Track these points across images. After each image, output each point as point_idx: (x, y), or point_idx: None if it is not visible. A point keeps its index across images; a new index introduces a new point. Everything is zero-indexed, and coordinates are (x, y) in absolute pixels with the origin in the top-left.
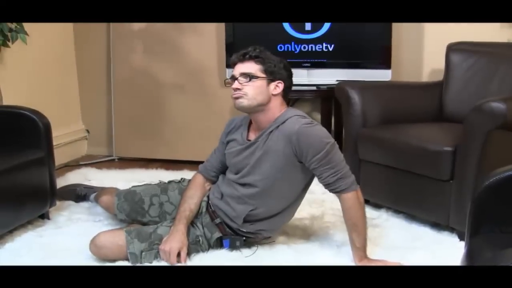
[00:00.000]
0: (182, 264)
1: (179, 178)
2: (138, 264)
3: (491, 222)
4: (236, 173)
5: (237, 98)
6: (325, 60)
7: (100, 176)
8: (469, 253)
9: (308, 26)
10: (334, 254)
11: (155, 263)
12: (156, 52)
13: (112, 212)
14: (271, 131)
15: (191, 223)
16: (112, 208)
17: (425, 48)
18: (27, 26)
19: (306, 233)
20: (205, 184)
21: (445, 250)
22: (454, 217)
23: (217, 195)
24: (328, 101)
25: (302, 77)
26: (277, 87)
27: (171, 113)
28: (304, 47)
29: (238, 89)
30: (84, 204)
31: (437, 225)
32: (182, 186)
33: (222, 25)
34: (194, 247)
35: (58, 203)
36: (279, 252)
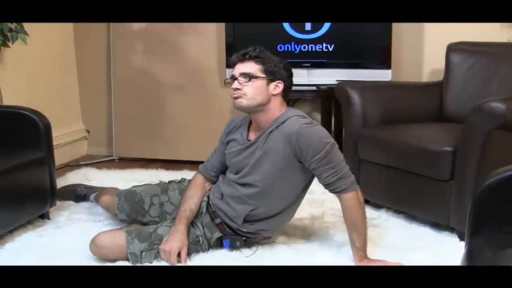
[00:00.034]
0: (182, 264)
1: (179, 178)
2: (138, 264)
3: (491, 222)
4: (236, 173)
5: (236, 98)
6: (325, 60)
7: (100, 176)
8: (469, 253)
9: (308, 26)
10: (334, 254)
11: (155, 263)
12: (156, 52)
13: (112, 212)
14: (271, 131)
15: (191, 223)
16: (113, 208)
17: (425, 48)
18: (27, 26)
19: (306, 233)
20: (205, 184)
21: (445, 250)
22: (454, 217)
23: (217, 195)
24: (328, 101)
25: (302, 77)
26: (277, 87)
27: (171, 113)
28: (304, 47)
29: (238, 89)
30: (84, 204)
31: (437, 225)
32: (182, 186)
33: (222, 25)
34: (194, 247)
35: (58, 203)
36: (279, 252)
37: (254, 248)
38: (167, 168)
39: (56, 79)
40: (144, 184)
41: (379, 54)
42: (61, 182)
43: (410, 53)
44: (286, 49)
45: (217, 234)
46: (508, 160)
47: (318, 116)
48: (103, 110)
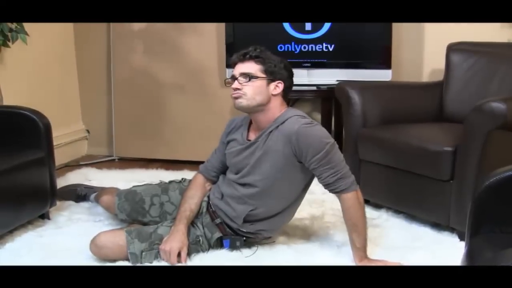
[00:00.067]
0: (182, 264)
1: (179, 178)
2: (139, 264)
3: (491, 222)
4: (236, 173)
5: (236, 98)
6: (325, 60)
7: (100, 176)
8: (469, 253)
9: (308, 26)
10: (334, 254)
11: (155, 263)
12: (156, 52)
13: (112, 212)
14: (271, 131)
15: (192, 223)
16: (113, 208)
17: (425, 48)
18: (27, 26)
19: (306, 233)
20: (206, 184)
21: (445, 250)
22: (454, 217)
23: (218, 195)
24: (328, 101)
25: (302, 77)
26: (277, 87)
27: (171, 113)
28: (304, 47)
29: (238, 89)
30: (84, 204)
31: (437, 225)
32: (182, 186)
33: (222, 25)
34: (194, 247)
35: (58, 203)
36: (279, 252)
37: (254, 248)
38: (167, 168)
39: (56, 79)
40: (145, 184)
41: (379, 54)
42: (61, 182)
43: (410, 53)
44: (286, 49)
45: (217, 234)
46: (508, 160)
47: (318, 116)
48: (103, 110)
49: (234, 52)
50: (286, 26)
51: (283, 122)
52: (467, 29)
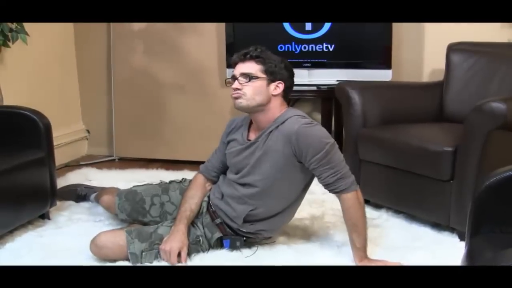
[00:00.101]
0: (183, 264)
1: (180, 178)
2: (139, 264)
3: (492, 222)
4: (236, 173)
5: (236, 98)
6: (325, 60)
7: (100, 176)
8: (470, 253)
9: (308, 26)
10: (335, 254)
11: (155, 263)
12: (156, 52)
13: (113, 212)
14: (271, 131)
15: (192, 223)
16: (113, 207)
17: (426, 48)
18: (28, 26)
19: (306, 233)
20: (206, 184)
21: (446, 250)
22: (454, 217)
23: (218, 195)
24: (329, 101)
25: (303, 77)
26: (277, 87)
27: (171, 113)
28: (305, 47)
29: (238, 89)
30: (84, 204)
31: (438, 225)
32: (183, 186)
33: (222, 25)
34: (194, 247)
35: (58, 203)
36: (279, 252)
37: (254, 248)
38: (167, 168)
39: (57, 79)
40: (145, 184)
41: (380, 54)
42: (62, 182)
43: (410, 53)
44: (286, 49)
45: (218, 234)
46: (508, 160)
47: (318, 116)
48: (103, 110)
49: (234, 52)
50: (286, 26)
51: (283, 122)
52: (467, 29)
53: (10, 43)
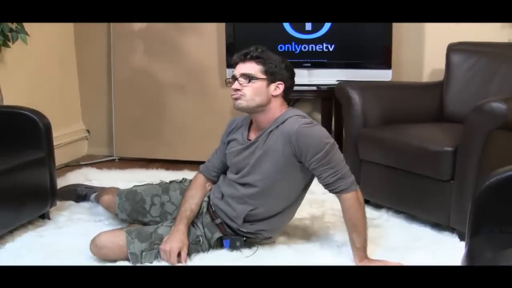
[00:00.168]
0: (183, 264)
1: (180, 178)
2: (139, 264)
3: (492, 222)
4: (237, 173)
5: (236, 99)
6: (325, 60)
7: (100, 176)
8: (470, 253)
9: (308, 26)
10: (335, 254)
11: (155, 263)
12: (156, 52)
13: (113, 211)
14: (271, 131)
15: (192, 223)
16: (113, 207)
17: (426, 48)
18: (28, 26)
19: (306, 233)
20: (206, 184)
21: (446, 250)
22: (454, 217)
23: (218, 195)
24: (329, 101)
25: (303, 77)
26: (278, 88)
27: (171, 113)
28: (305, 47)
29: (238, 89)
30: (84, 204)
31: (438, 225)
32: (183, 186)
33: (222, 25)
34: (194, 247)
35: (58, 203)
36: (279, 252)
37: (254, 248)
38: (167, 168)
39: (57, 79)
40: (145, 184)
41: (380, 54)
42: (62, 182)
43: (410, 53)
44: (286, 49)
45: (218, 234)
46: (508, 160)
47: (319, 116)
48: (103, 110)
49: (234, 52)
50: (287, 26)
51: (283, 122)
52: (468, 29)
53: (10, 43)
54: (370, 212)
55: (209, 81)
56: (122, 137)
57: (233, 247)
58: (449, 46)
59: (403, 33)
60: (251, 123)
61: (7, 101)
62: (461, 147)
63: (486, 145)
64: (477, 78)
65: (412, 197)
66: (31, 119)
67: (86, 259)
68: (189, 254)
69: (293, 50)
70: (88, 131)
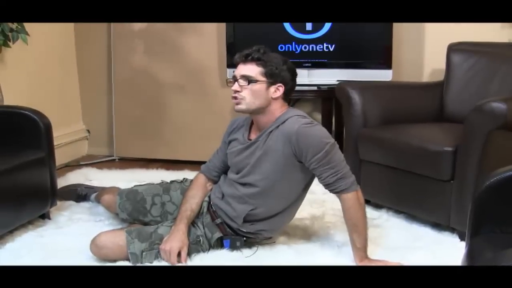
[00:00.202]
0: (183, 264)
1: (181, 178)
2: (139, 264)
3: (492, 222)
4: (237, 173)
5: (236, 104)
6: (325, 60)
7: (100, 176)
8: (470, 253)
9: (309, 26)
10: (335, 254)
11: (155, 263)
12: (156, 52)
13: (113, 211)
14: (271, 131)
15: (192, 223)
16: (114, 207)
17: (426, 48)
18: (28, 26)
19: (306, 233)
20: (207, 184)
21: (446, 250)
22: (454, 217)
23: (218, 195)
24: (329, 101)
25: (303, 77)
26: (277, 90)
27: (171, 113)
28: (305, 47)
29: (237, 91)
30: (84, 204)
31: (438, 225)
32: (184, 186)
33: (222, 25)
34: (194, 247)
35: (58, 203)
36: (279, 252)
37: (254, 248)
38: (167, 168)
39: (57, 79)
40: (146, 184)
41: (380, 54)
42: (62, 182)
43: (410, 53)
44: (286, 49)
45: (218, 234)
46: (508, 160)
47: (319, 116)
48: (103, 110)
49: (234, 52)
50: (287, 26)
51: (284, 122)
52: (468, 29)
53: (10, 43)
54: (370, 212)
55: (209, 81)
56: (122, 137)
57: (233, 247)
58: (449, 46)
59: (403, 33)
60: (252, 123)
61: (7, 101)
62: (461, 147)
63: (486, 145)
64: (477, 78)
65: (412, 197)
66: (32, 119)
67: (86, 259)
68: (189, 254)
69: (294, 50)
70: (88, 131)
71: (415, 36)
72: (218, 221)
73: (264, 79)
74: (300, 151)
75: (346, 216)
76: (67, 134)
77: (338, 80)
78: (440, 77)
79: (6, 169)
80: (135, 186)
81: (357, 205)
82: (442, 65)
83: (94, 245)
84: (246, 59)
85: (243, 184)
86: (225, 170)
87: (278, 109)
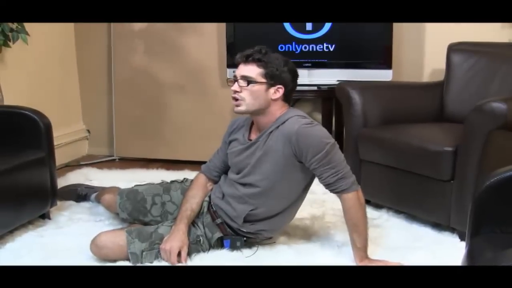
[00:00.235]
0: (183, 263)
1: (181, 178)
2: (139, 264)
3: (492, 222)
4: (238, 173)
5: (236, 105)
6: (326, 60)
7: (101, 176)
8: (470, 253)
9: (309, 26)
10: (335, 254)
11: (156, 263)
12: (156, 52)
13: (114, 211)
14: (271, 131)
15: (192, 223)
16: (114, 207)
17: (426, 48)
18: (28, 26)
19: (307, 233)
20: (207, 184)
21: (446, 250)
22: (454, 217)
23: (219, 195)
24: (329, 101)
25: (303, 77)
26: (277, 92)
27: (171, 113)
28: (305, 47)
29: (237, 91)
30: (85, 204)
31: (438, 225)
32: (184, 186)
33: (222, 25)
34: (194, 247)
35: (59, 203)
36: (279, 252)
37: (254, 248)
38: (167, 168)
39: (57, 79)
40: (146, 184)
41: (380, 54)
42: (62, 182)
43: (410, 53)
44: (287, 49)
45: (218, 234)
46: (508, 160)
47: (319, 116)
48: (103, 110)
49: (234, 52)
50: (287, 26)
51: (284, 123)
52: (468, 29)
53: (10, 43)
54: (370, 212)
55: (209, 81)
56: (123, 137)
57: (233, 247)
58: (450, 46)
59: (404, 33)
60: (252, 123)
61: (7, 101)
62: (461, 147)
63: (486, 145)
64: (477, 78)
65: (412, 197)
66: (32, 119)
67: (86, 259)
68: (189, 254)
69: (294, 50)
70: (89, 131)
71: (415, 36)
72: (219, 221)
73: (264, 80)
74: (300, 151)
75: (347, 216)
76: (67, 134)
77: (338, 80)
78: (440, 77)
79: (6, 169)
80: (135, 186)
81: (358, 205)
82: (442, 65)
83: (94, 245)
84: (247, 60)
85: (244, 184)
86: (225, 170)
87: (278, 110)
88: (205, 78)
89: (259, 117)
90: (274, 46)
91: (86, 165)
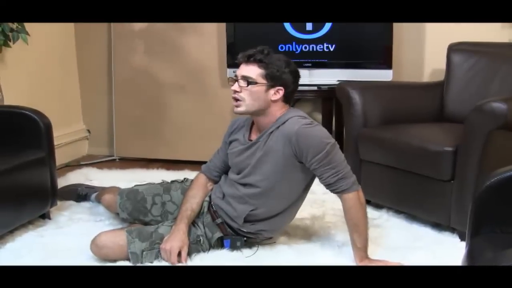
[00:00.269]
0: (183, 263)
1: (182, 178)
2: (139, 264)
3: (492, 222)
4: (238, 173)
5: (236, 106)
6: (326, 60)
7: (101, 176)
8: (470, 253)
9: (309, 26)
10: (335, 254)
11: (156, 262)
12: (157, 52)
13: (114, 210)
14: (271, 132)
15: (193, 223)
16: (114, 206)
17: (426, 48)
18: (28, 26)
19: (307, 233)
20: (208, 184)
21: (446, 250)
22: (455, 217)
23: (219, 195)
24: (329, 101)
25: (303, 77)
26: (277, 93)
27: (171, 113)
28: (305, 47)
29: (237, 91)
30: (85, 204)
31: (438, 225)
32: (185, 186)
33: (222, 25)
34: (195, 246)
35: (59, 203)
36: (280, 252)
37: (254, 248)
38: (167, 168)
39: (57, 79)
40: (147, 184)
41: (380, 54)
42: (62, 182)
43: (411, 53)
44: (287, 49)
45: (218, 234)
46: (509, 160)
47: (319, 116)
48: (104, 110)
49: (234, 52)
50: (287, 26)
51: (284, 123)
52: (468, 29)
53: (11, 43)
54: (370, 212)
55: (209, 81)
56: (123, 137)
57: (233, 247)
58: (450, 46)
59: (404, 33)
60: (252, 123)
61: (7, 101)
62: (462, 147)
63: (487, 145)
64: (477, 78)
65: (412, 197)
66: (32, 119)
67: (87, 259)
68: (189, 254)
69: (294, 50)
70: (89, 131)
71: (415, 36)
72: (219, 221)
73: (264, 81)
74: (301, 151)
75: (347, 216)
76: (68, 134)
77: (338, 80)
78: (440, 77)
79: (6, 169)
80: (135, 185)
81: (358, 205)
82: (442, 65)
83: (95, 245)
84: (248, 60)
85: (244, 185)
86: (225, 170)
87: (278, 110)
88: (205, 78)
89: (259, 117)
90: (274, 46)
91: (86, 165)
